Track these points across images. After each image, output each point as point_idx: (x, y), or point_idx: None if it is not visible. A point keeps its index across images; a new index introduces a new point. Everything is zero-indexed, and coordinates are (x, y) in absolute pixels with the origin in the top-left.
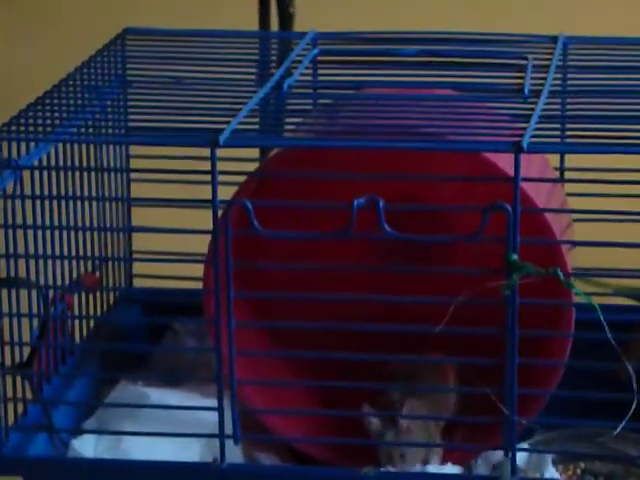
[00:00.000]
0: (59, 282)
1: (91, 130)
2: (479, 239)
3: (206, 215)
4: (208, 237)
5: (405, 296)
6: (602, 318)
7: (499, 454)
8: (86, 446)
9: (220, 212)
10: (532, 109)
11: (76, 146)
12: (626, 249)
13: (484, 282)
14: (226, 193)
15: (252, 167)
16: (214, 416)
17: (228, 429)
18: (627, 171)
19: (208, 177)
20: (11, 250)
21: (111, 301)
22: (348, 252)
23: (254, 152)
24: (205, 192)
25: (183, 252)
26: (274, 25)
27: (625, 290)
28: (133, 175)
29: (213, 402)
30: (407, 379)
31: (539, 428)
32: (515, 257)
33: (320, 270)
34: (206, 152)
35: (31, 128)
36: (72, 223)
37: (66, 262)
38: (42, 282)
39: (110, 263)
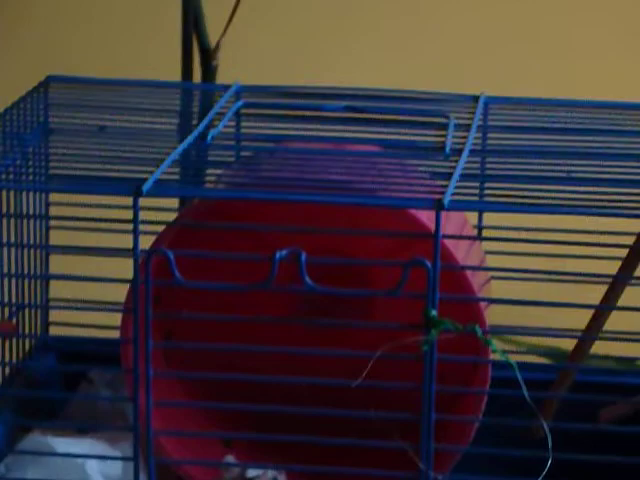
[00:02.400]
0: None
1: (11, 177)
2: (399, 294)
3: (123, 264)
4: (126, 286)
5: (324, 349)
6: (518, 375)
7: None
8: None
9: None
10: (453, 167)
11: None
12: (542, 308)
13: (404, 337)
14: (145, 243)
15: (172, 217)
16: (118, 468)
17: None
18: (544, 231)
19: (126, 226)
20: None
21: (27, 348)
22: (271, 303)
23: (174, 202)
24: (122, 241)
25: (101, 301)
26: (197, 77)
27: (541, 349)
28: (53, 223)
29: (123, 453)
30: None
31: None
32: (434, 313)
33: (239, 321)
34: (127, 201)
35: None
36: None
37: None
38: None
39: (27, 310)
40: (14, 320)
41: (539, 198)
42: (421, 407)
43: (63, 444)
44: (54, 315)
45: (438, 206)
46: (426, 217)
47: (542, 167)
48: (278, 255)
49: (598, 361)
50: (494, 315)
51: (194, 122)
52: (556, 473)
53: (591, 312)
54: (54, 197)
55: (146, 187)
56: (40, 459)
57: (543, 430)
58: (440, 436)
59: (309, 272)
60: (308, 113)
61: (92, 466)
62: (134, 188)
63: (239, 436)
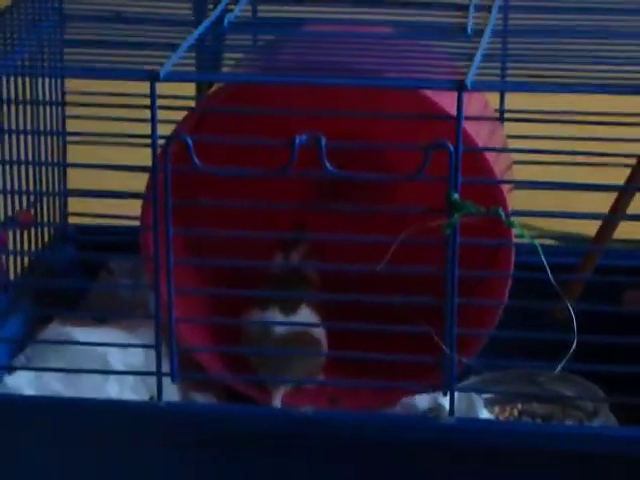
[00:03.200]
0: None
1: (27, 64)
2: (421, 177)
3: (142, 154)
4: (144, 176)
5: (345, 235)
6: (542, 256)
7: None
8: (19, 383)
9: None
10: (475, 48)
11: (13, 79)
12: (565, 194)
13: (425, 221)
14: (163, 131)
15: (189, 104)
16: (139, 357)
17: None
18: (567, 113)
19: (144, 114)
20: None
21: (46, 239)
22: (290, 191)
23: (190, 89)
24: (141, 131)
25: (120, 191)
26: None
27: (564, 235)
28: (70, 112)
29: (143, 342)
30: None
31: (482, 369)
32: (456, 196)
33: (259, 209)
34: (143, 89)
35: None
36: (8, 158)
37: (1, 197)
38: None
39: (45, 200)
40: (32, 210)
41: (562, 78)
42: (442, 292)
43: (84, 333)
44: (73, 205)
45: (460, 87)
46: (446, 99)
47: (564, 47)
48: (298, 140)
49: (621, 244)
50: (516, 202)
51: (210, 7)
52: (581, 355)
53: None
54: (71, 85)
55: (163, 72)
56: (61, 348)
57: (567, 312)
58: (465, 321)
59: (328, 158)
60: None
61: (113, 355)
62: (151, 73)
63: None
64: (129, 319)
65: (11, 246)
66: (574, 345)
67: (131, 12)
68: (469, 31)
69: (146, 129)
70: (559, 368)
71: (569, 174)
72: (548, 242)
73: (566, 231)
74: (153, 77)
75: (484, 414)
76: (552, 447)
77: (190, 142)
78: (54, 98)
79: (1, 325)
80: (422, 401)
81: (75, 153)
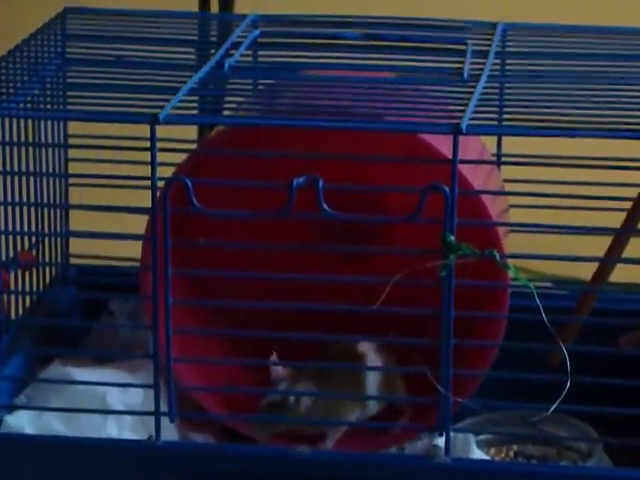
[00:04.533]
0: None
1: (30, 106)
2: (417, 220)
3: (143, 196)
4: (145, 218)
5: (342, 276)
6: (537, 299)
7: (424, 443)
8: (19, 422)
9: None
10: (471, 93)
11: (15, 122)
12: (562, 237)
13: (421, 263)
14: (165, 173)
15: (190, 147)
16: (138, 398)
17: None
18: (563, 158)
19: (146, 157)
20: None
21: (47, 279)
22: (287, 232)
23: (192, 133)
24: (141, 172)
25: (120, 233)
26: (214, 7)
27: (560, 279)
28: (72, 154)
29: (143, 382)
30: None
31: (478, 409)
32: (452, 238)
33: (258, 250)
34: (145, 132)
35: None
36: (10, 199)
37: (3, 238)
38: None
39: (47, 241)
40: (34, 251)
41: (558, 122)
42: (438, 333)
43: (84, 374)
44: (74, 247)
45: (456, 131)
46: (438, 142)
47: (560, 92)
48: (295, 182)
49: (617, 288)
50: (513, 245)
51: (211, 52)
52: (576, 397)
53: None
54: (73, 128)
55: (163, 115)
56: (61, 388)
57: (562, 355)
58: (460, 362)
59: (327, 201)
60: (325, 41)
61: (113, 395)
62: (151, 116)
63: (258, 362)
64: (129, 359)
65: (12, 286)
66: (567, 386)
67: (134, 56)
68: (466, 76)
69: (148, 171)
70: (552, 409)
71: (565, 217)
72: (544, 284)
73: (562, 274)
74: (153, 120)
75: (478, 454)
76: None
77: (190, 184)
78: (56, 140)
79: (2, 364)
80: (420, 442)
81: (77, 195)
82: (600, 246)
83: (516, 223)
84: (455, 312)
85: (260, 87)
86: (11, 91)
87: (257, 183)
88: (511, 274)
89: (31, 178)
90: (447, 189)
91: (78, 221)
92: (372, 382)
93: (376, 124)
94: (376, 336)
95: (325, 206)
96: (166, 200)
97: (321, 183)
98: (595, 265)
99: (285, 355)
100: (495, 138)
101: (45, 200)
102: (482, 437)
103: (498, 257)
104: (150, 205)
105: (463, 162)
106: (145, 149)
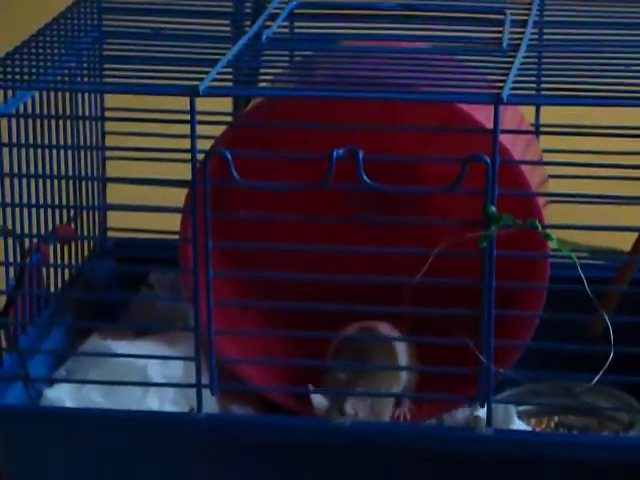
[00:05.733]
0: (35, 231)
1: (67, 79)
2: (458, 190)
3: (180, 168)
4: (184, 191)
5: (382, 247)
6: (579, 268)
7: (464, 414)
8: (59, 395)
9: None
10: (511, 62)
11: (53, 95)
12: (601, 207)
13: (461, 234)
14: (201, 145)
15: (226, 119)
16: (178, 370)
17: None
18: (602, 127)
19: (182, 129)
20: None
21: (86, 253)
22: (322, 204)
23: (228, 105)
24: (179, 146)
25: (159, 206)
26: None
27: (598, 250)
28: (109, 128)
29: (183, 354)
30: (356, 356)
31: (519, 380)
32: (493, 209)
33: (297, 223)
34: (182, 104)
35: (9, 77)
36: (48, 172)
37: (42, 212)
38: (19, 231)
39: (85, 214)
40: (72, 224)
41: (598, 92)
42: (476, 305)
43: (123, 346)
44: (112, 219)
45: (496, 100)
46: (483, 114)
47: (600, 61)
48: (335, 153)
49: None
50: (552, 216)
51: (246, 24)
52: (617, 367)
53: None
54: (110, 101)
55: (202, 87)
56: (101, 362)
57: (603, 325)
58: (501, 332)
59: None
60: (361, 12)
61: (153, 368)
62: (190, 88)
63: (304, 335)
64: (168, 332)
65: (51, 260)
66: (610, 357)
67: (169, 29)
68: (504, 46)
69: (185, 143)
70: (595, 380)
71: (605, 187)
72: (584, 255)
73: (601, 244)
74: (193, 93)
75: (519, 425)
76: (589, 458)
77: (229, 156)
78: (94, 113)
79: (42, 338)
80: (460, 413)
81: (114, 167)
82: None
83: (556, 193)
84: (496, 283)
85: (297, 58)
86: (48, 64)
87: (296, 155)
88: (552, 245)
89: (69, 151)
90: (488, 159)
91: (116, 194)
92: (403, 358)
93: (415, 94)
94: (416, 307)
95: (365, 177)
96: (206, 173)
97: (361, 154)
98: (634, 235)
99: (318, 326)
100: (533, 108)
101: (83, 173)
102: (523, 408)
103: (539, 227)
104: (189, 178)
105: (504, 132)
106: (184, 122)
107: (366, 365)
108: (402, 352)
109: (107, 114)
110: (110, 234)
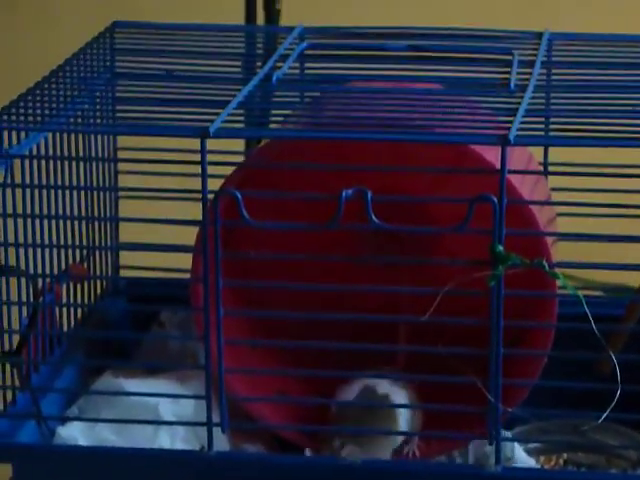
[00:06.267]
0: (48, 271)
1: (80, 121)
2: (465, 230)
3: (192, 209)
4: (195, 230)
5: (391, 286)
6: (586, 308)
7: (476, 450)
8: (72, 433)
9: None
10: (518, 103)
11: (66, 136)
12: (609, 245)
13: (469, 274)
14: (212, 184)
15: (238, 160)
16: (189, 408)
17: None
18: (611, 166)
19: (194, 169)
20: (1, 238)
21: (98, 291)
22: (330, 243)
23: (240, 145)
24: (191, 184)
25: (171, 244)
26: (260, 20)
27: (608, 286)
28: (122, 167)
29: (193, 393)
30: (356, 418)
31: (527, 418)
32: (501, 248)
33: (306, 262)
34: (193, 144)
35: (22, 118)
36: (61, 212)
37: (55, 251)
38: (32, 271)
39: (98, 253)
40: (85, 264)
41: (605, 132)
42: (484, 343)
43: (135, 385)
44: (124, 258)
45: (504, 141)
46: (492, 154)
47: (607, 102)
48: (344, 194)
49: None
50: (561, 253)
51: (258, 64)
52: (625, 405)
53: None
54: (122, 141)
55: (213, 128)
56: (113, 400)
57: (611, 363)
58: (509, 370)
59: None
60: (371, 53)
61: (164, 406)
62: (201, 130)
63: (314, 373)
64: (179, 370)
65: (64, 299)
66: (617, 395)
67: (181, 70)
68: (512, 86)
69: (195, 182)
70: (603, 418)
71: (613, 226)
72: (593, 293)
73: (611, 281)
74: (203, 134)
75: (525, 460)
76: None
77: (239, 196)
78: (106, 153)
79: (55, 376)
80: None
81: (127, 208)
82: None
83: (564, 233)
84: (504, 322)
85: (307, 99)
86: (61, 106)
87: (306, 195)
88: (560, 283)
89: (81, 191)
90: (495, 199)
91: (128, 233)
92: (403, 420)
93: (424, 135)
94: (425, 346)
95: (374, 217)
96: (217, 212)
97: (370, 195)
98: None
99: (333, 365)
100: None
101: (95, 213)
102: (532, 445)
103: (547, 267)
104: (200, 217)
105: (511, 172)
106: (195, 163)
107: (370, 429)
108: (403, 413)
109: (120, 154)
110: (122, 272)
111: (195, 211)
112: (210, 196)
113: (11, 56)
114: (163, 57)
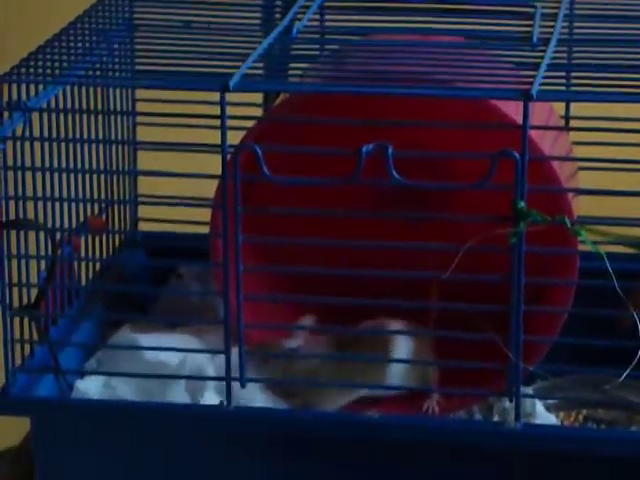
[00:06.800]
0: (66, 224)
1: (98, 73)
2: (487, 186)
3: (211, 161)
4: (214, 183)
5: (410, 242)
6: (608, 264)
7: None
8: (90, 387)
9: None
10: (540, 57)
11: (84, 89)
12: (629, 198)
13: (489, 230)
14: (231, 139)
15: (256, 113)
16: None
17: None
18: (633, 120)
19: (213, 122)
20: (20, 192)
21: (116, 245)
22: (355, 201)
23: (258, 98)
24: (209, 138)
25: (189, 197)
26: None
27: (629, 239)
28: (140, 120)
29: (212, 346)
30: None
31: (547, 375)
32: (522, 204)
33: (326, 220)
34: (212, 97)
35: (40, 71)
36: (79, 166)
37: (73, 205)
38: (50, 224)
39: (116, 206)
40: (104, 216)
41: (628, 87)
42: (510, 299)
43: (152, 339)
44: (143, 211)
45: (526, 96)
46: (512, 108)
47: (630, 55)
48: (365, 149)
49: None
50: (582, 208)
51: (278, 16)
52: None
53: None
54: (141, 93)
55: (233, 82)
56: (131, 354)
57: (632, 320)
58: (529, 328)
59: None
60: (393, 4)
61: (182, 360)
62: (221, 83)
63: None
64: (198, 324)
65: (83, 252)
66: (639, 352)
67: (200, 21)
68: (535, 40)
69: (215, 135)
70: (624, 375)
71: (635, 180)
72: (614, 249)
73: (634, 235)
74: (223, 87)
75: (546, 417)
76: (617, 453)
77: (259, 151)
78: (124, 106)
79: (73, 330)
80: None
81: (145, 160)
82: None
83: (586, 189)
84: (525, 279)
85: (327, 52)
86: (79, 57)
87: (326, 150)
88: (582, 239)
89: (100, 144)
90: (518, 155)
91: (147, 186)
92: (395, 369)
93: (444, 90)
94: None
95: (394, 173)
96: (236, 167)
97: (390, 150)
98: None
99: (347, 320)
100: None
101: (114, 166)
102: (551, 401)
103: (569, 223)
104: (219, 171)
105: (533, 127)
106: (214, 116)
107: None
108: (402, 346)
109: (138, 106)
110: (141, 225)
111: (216, 163)
112: (230, 149)
113: (28, 8)
114: (182, 8)
